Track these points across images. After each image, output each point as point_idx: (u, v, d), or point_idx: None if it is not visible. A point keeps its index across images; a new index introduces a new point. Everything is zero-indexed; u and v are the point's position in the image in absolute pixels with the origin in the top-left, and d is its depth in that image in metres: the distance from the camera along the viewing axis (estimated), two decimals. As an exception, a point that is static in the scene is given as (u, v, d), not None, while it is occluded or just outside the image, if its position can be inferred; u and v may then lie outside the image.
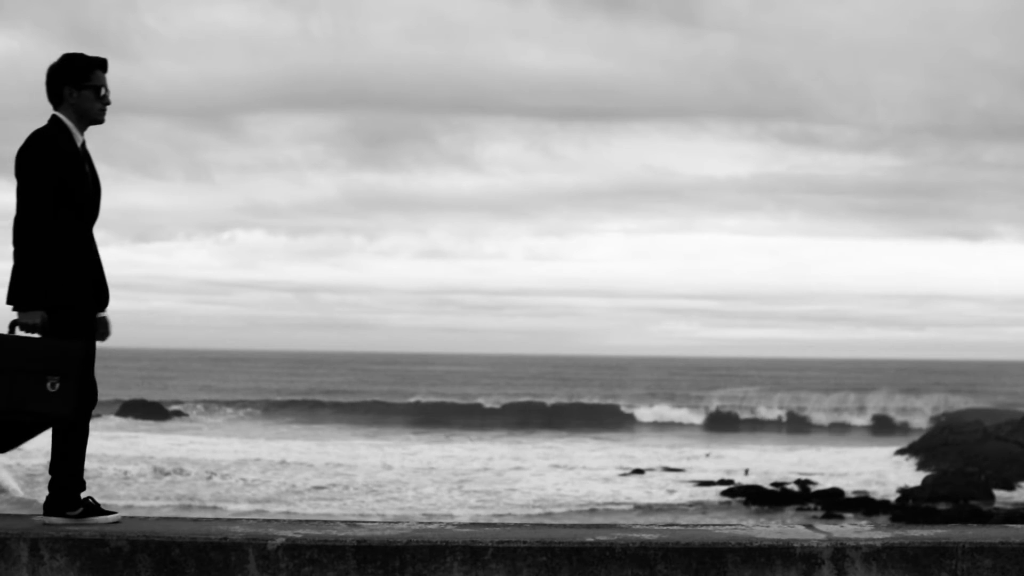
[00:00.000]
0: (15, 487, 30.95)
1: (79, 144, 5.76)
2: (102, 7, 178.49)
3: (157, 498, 30.87)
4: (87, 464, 5.94)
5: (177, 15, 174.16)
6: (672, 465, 39.38)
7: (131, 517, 6.11)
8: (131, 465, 36.88)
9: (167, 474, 35.08)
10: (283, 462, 38.19)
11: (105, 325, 5.86)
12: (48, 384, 5.53)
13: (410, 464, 38.47)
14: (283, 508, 29.02)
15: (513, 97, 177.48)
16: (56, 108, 5.79)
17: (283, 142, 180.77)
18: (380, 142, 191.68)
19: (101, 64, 5.83)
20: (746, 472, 36.91)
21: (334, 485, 33.22)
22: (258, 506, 29.24)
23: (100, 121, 5.82)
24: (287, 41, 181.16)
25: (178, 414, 64.24)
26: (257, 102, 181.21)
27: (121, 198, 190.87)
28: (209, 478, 33.87)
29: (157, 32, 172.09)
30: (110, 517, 5.72)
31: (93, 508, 5.73)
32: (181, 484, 33.12)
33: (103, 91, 5.82)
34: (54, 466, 5.75)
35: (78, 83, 5.77)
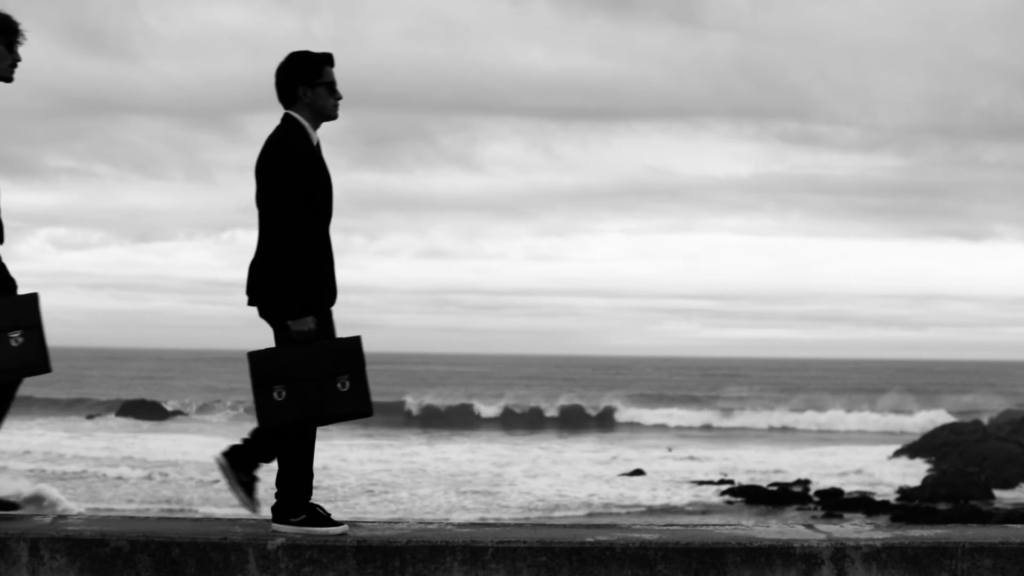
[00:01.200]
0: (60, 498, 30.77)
1: (315, 143, 5.71)
2: (103, 7, 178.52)
3: (143, 501, 30.57)
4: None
5: (178, 15, 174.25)
6: (672, 465, 39.39)
7: (131, 517, 6.11)
8: (123, 467, 36.82)
9: (150, 476, 34.86)
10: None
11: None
12: (339, 384, 5.57)
13: (406, 465, 38.35)
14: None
15: (514, 97, 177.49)
16: (289, 108, 5.74)
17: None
18: (381, 142, 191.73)
19: (329, 60, 5.76)
20: (669, 449, 37.18)
21: (326, 487, 33.08)
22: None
23: (334, 117, 5.74)
24: (288, 41, 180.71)
25: (178, 414, 64.23)
26: (258, 102, 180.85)
27: (121, 198, 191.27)
28: (198, 481, 33.57)
29: (158, 32, 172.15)
30: (333, 530, 5.60)
31: (319, 517, 5.65)
32: (169, 486, 32.85)
33: (335, 86, 5.74)
34: (280, 473, 5.70)
35: (311, 81, 5.71)
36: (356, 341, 5.62)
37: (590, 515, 28.11)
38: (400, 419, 60.70)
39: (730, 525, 6.23)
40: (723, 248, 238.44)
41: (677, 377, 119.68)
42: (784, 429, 58.18)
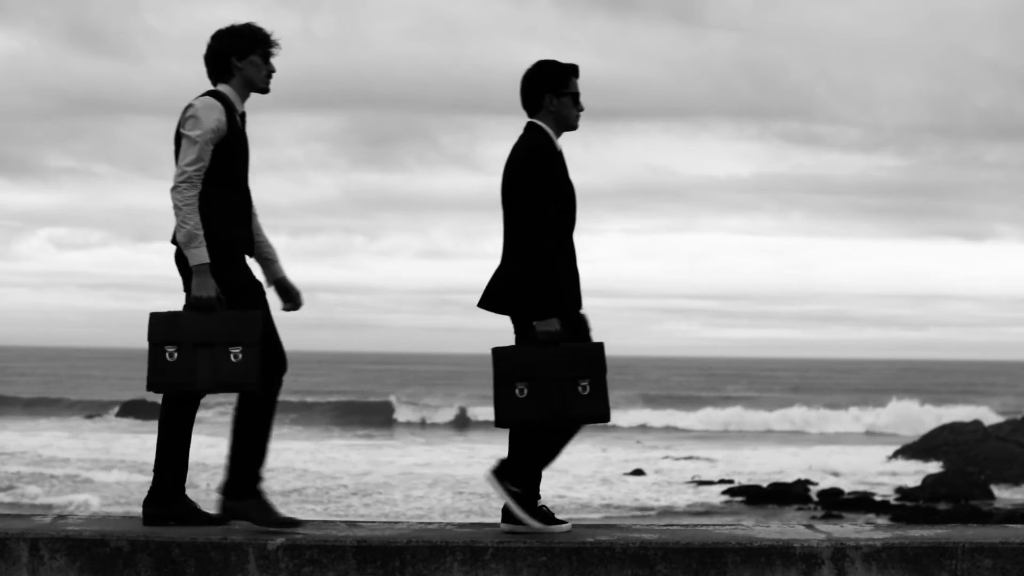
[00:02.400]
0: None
1: (558, 150, 5.80)
2: (104, 6, 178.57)
3: (120, 504, 30.26)
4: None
5: (179, 14, 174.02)
6: (672, 465, 39.38)
7: (131, 517, 6.11)
8: (113, 469, 36.77)
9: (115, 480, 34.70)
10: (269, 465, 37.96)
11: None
12: (579, 387, 5.69)
13: (402, 466, 38.19)
14: None
15: (515, 97, 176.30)
16: (533, 115, 5.83)
17: (284, 142, 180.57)
18: (382, 142, 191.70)
19: (575, 71, 5.87)
20: (637, 441, 37.21)
21: (318, 487, 32.94)
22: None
23: (575, 127, 5.84)
24: (289, 41, 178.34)
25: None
26: (258, 102, 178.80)
27: (122, 198, 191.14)
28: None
29: (159, 32, 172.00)
30: (559, 527, 5.73)
31: (546, 516, 5.75)
32: (141, 491, 32.48)
33: (580, 97, 5.85)
34: (516, 451, 5.82)
35: (557, 90, 5.80)
36: (599, 347, 5.77)
37: (590, 515, 28.12)
38: (396, 420, 60.57)
39: (730, 525, 6.23)
40: (724, 248, 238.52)
41: (677, 377, 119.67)
42: (784, 429, 58.15)
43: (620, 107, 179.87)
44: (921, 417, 57.45)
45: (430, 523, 6.06)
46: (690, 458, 41.92)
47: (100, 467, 36.87)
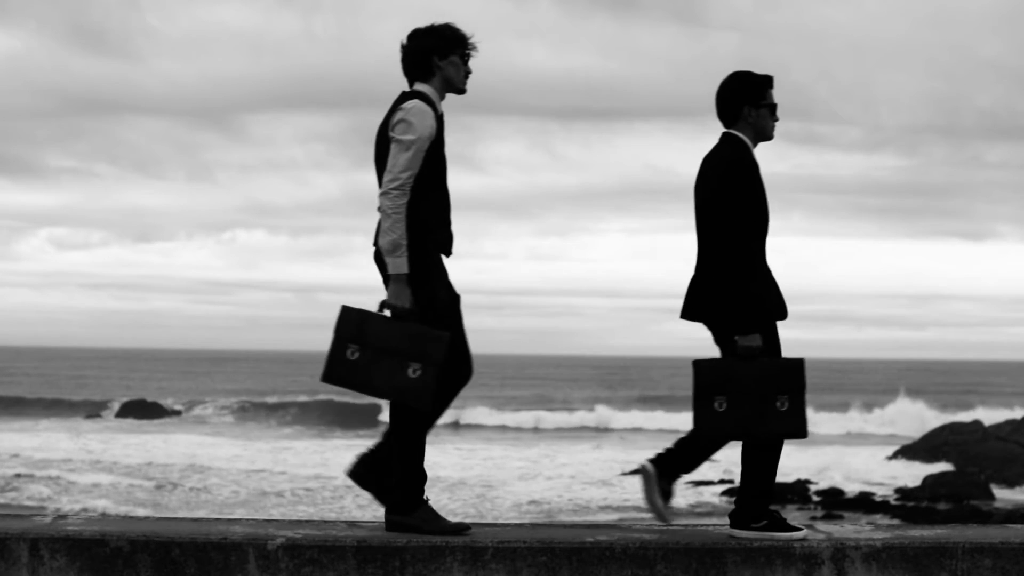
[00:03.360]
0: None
1: (756, 161, 5.85)
2: (105, 6, 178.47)
3: (124, 503, 30.18)
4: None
5: (180, 14, 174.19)
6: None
7: (131, 517, 6.11)
8: (111, 470, 36.76)
9: (137, 477, 34.72)
10: (262, 466, 37.71)
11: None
12: (778, 403, 5.69)
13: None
14: (248, 515, 28.46)
15: (516, 97, 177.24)
16: (730, 126, 5.89)
17: (285, 142, 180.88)
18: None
19: (771, 82, 5.91)
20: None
21: (310, 487, 32.81)
22: (216, 514, 28.50)
23: (771, 138, 5.88)
24: (290, 40, 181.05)
25: (177, 414, 64.22)
26: (259, 102, 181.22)
27: (122, 198, 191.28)
28: (173, 487, 33.02)
29: (160, 31, 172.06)
30: (795, 534, 5.69)
31: (778, 523, 5.74)
32: (140, 491, 32.29)
33: (776, 109, 5.89)
34: (744, 480, 5.82)
35: (756, 102, 5.85)
36: (799, 363, 5.74)
37: (589, 515, 28.12)
38: (381, 421, 60.42)
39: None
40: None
41: (678, 377, 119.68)
42: (784, 429, 58.07)
43: (621, 107, 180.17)
44: (921, 417, 57.44)
45: (430, 523, 6.05)
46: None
47: (99, 468, 36.86)
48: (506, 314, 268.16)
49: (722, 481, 34.93)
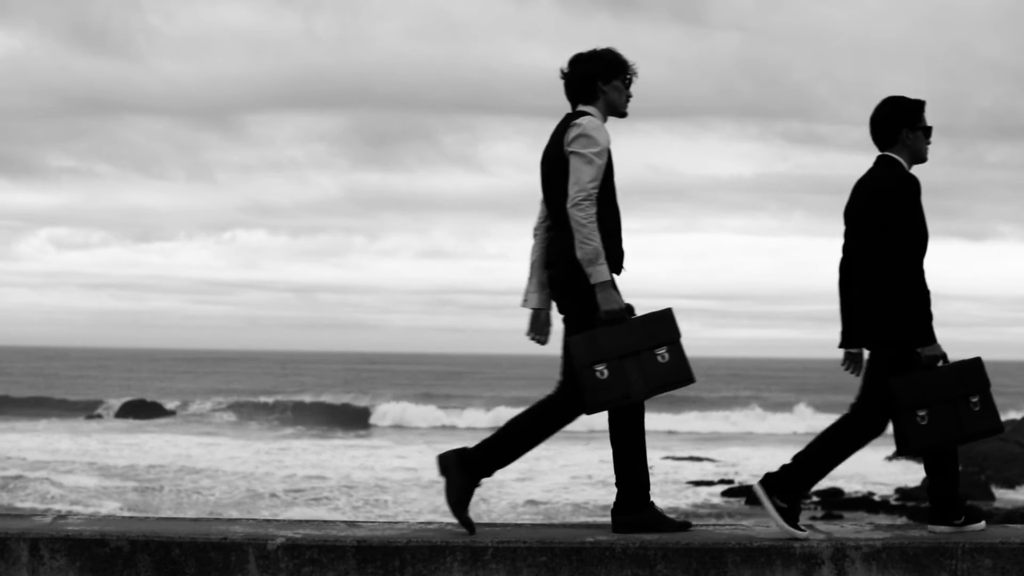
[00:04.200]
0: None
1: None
2: (106, 6, 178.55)
3: (120, 503, 30.08)
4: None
5: (180, 14, 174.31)
6: (672, 466, 39.40)
7: (131, 517, 6.11)
8: (111, 469, 36.73)
9: (136, 479, 34.65)
10: (258, 466, 37.65)
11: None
12: (971, 404, 5.91)
13: (392, 467, 37.97)
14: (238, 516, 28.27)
15: (517, 96, 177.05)
16: (886, 148, 5.98)
17: (286, 142, 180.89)
18: (383, 142, 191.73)
19: (924, 106, 6.03)
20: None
21: (302, 488, 32.71)
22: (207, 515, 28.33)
23: (925, 160, 6.01)
24: (291, 40, 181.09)
25: (176, 414, 64.21)
26: (260, 101, 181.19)
27: (123, 198, 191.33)
28: (161, 489, 32.93)
29: (160, 31, 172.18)
30: (978, 525, 5.89)
31: (973, 516, 5.93)
32: (134, 492, 32.16)
33: (931, 132, 6.02)
34: (936, 482, 5.97)
35: (912, 124, 5.96)
36: (978, 361, 6.03)
37: (587, 516, 28.08)
38: (374, 424, 60.31)
39: (730, 525, 6.24)
40: (725, 248, 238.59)
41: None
42: (784, 429, 58.16)
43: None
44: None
45: (430, 523, 6.07)
46: (690, 458, 41.94)
47: (96, 468, 36.83)
48: (506, 314, 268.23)
49: (722, 481, 34.95)
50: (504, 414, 61.73)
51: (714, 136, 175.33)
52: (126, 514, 25.46)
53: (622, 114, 6.00)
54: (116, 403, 65.82)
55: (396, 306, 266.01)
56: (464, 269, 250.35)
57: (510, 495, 31.76)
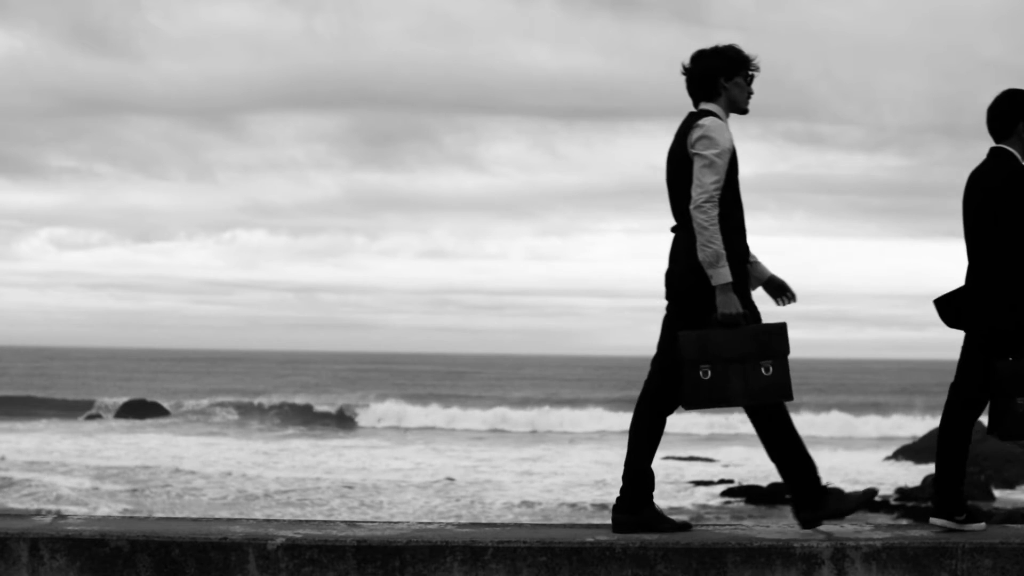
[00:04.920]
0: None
1: None
2: (106, 6, 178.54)
3: (119, 503, 30.01)
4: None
5: (181, 14, 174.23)
6: (672, 466, 39.41)
7: (131, 517, 6.11)
8: (110, 469, 36.71)
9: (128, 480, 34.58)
10: (255, 466, 37.62)
11: None
12: None
13: (388, 468, 37.89)
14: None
15: (518, 96, 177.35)
16: (1001, 141, 6.02)
17: (286, 142, 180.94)
18: (384, 142, 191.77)
19: None
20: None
21: (295, 489, 32.66)
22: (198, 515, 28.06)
23: None
24: (291, 40, 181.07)
25: (176, 414, 64.20)
26: (261, 101, 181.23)
27: (123, 198, 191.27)
28: (148, 489, 32.80)
29: (161, 31, 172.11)
30: (978, 525, 5.88)
31: (973, 516, 5.92)
32: (130, 493, 32.03)
33: None
34: (940, 475, 5.96)
35: None
36: None
37: (584, 517, 28.08)
38: (385, 421, 60.27)
39: (730, 525, 6.24)
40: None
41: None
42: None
43: (623, 107, 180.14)
44: (921, 417, 57.46)
45: (430, 523, 6.07)
46: (690, 458, 41.93)
47: (94, 469, 36.83)
48: (506, 314, 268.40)
49: (722, 481, 34.95)
50: (504, 415, 61.75)
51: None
52: (125, 514, 25.50)
53: (743, 111, 5.99)
54: (116, 403, 65.84)
55: (396, 306, 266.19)
56: (464, 269, 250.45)
57: (506, 496, 31.77)
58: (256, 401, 67.23)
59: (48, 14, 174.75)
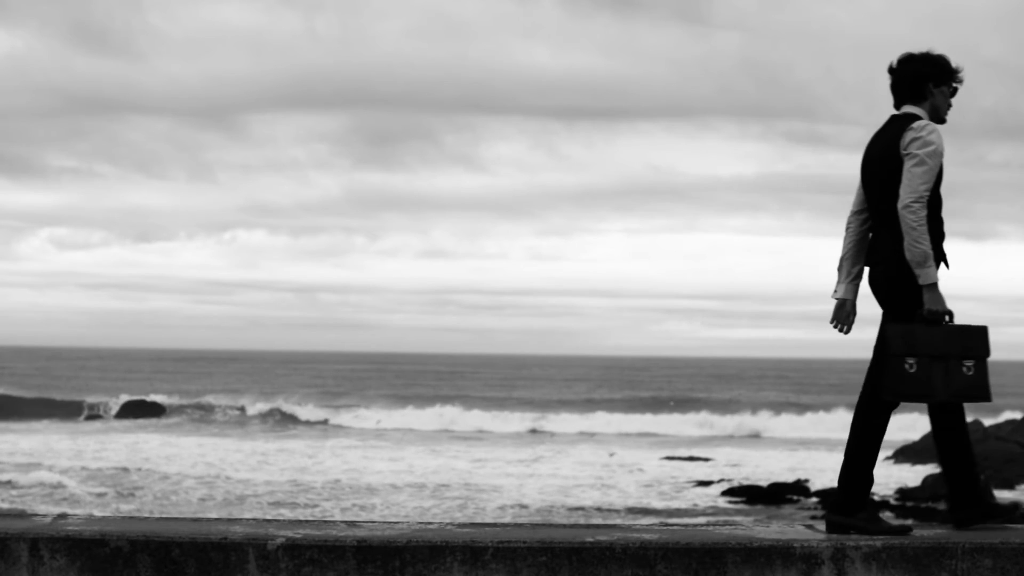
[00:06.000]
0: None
1: None
2: (107, 6, 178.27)
3: (118, 503, 29.93)
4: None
5: (182, 14, 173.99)
6: (672, 466, 39.41)
7: (131, 517, 6.11)
8: (110, 469, 36.68)
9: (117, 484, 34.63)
10: (252, 467, 37.55)
11: None
12: None
13: (382, 469, 37.78)
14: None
15: (518, 96, 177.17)
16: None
17: (287, 142, 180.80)
18: (384, 142, 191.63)
19: None
20: (611, 454, 40.58)
21: (287, 491, 32.57)
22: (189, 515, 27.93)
23: None
24: (292, 40, 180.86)
25: (176, 414, 64.19)
26: (261, 101, 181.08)
27: (123, 198, 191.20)
28: (150, 488, 32.79)
29: (162, 31, 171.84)
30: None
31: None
32: (127, 493, 31.85)
33: None
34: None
35: None
36: None
37: (589, 516, 28.08)
38: (382, 423, 60.17)
39: (730, 525, 6.23)
40: (726, 248, 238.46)
41: (678, 377, 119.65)
42: (785, 429, 58.14)
43: (624, 106, 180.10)
44: (922, 417, 57.39)
45: (430, 523, 6.07)
46: (690, 458, 41.93)
47: (96, 468, 36.83)
48: (506, 314, 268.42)
49: (722, 481, 34.95)
50: (504, 415, 61.74)
51: (716, 136, 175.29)
52: (125, 514, 25.50)
53: (942, 120, 6.09)
54: (116, 403, 65.82)
55: (396, 306, 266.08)
56: (464, 269, 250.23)
57: (503, 497, 31.78)
58: (255, 401, 67.20)
59: (49, 14, 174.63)
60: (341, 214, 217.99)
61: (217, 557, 5.44)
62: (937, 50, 6.06)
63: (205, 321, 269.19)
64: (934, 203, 5.94)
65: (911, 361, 5.79)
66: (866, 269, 6.09)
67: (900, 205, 5.82)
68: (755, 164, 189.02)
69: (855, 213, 6.17)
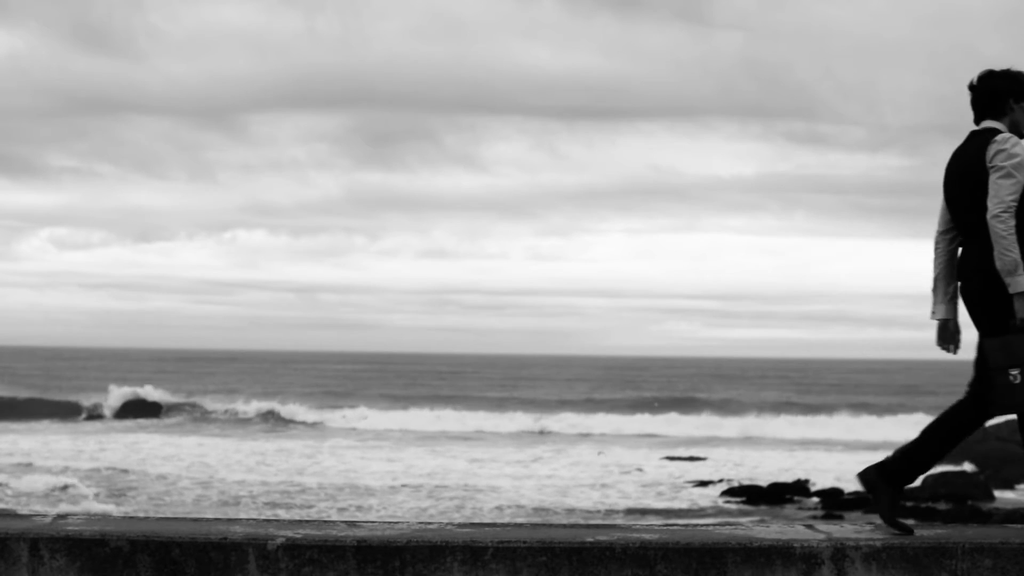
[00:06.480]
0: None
1: None
2: (108, 6, 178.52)
3: (118, 503, 29.91)
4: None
5: (183, 14, 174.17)
6: (672, 466, 39.40)
7: (131, 517, 6.11)
8: (110, 469, 36.65)
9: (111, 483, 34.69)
10: (250, 467, 37.50)
11: None
12: None
13: (380, 469, 37.75)
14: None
15: (519, 96, 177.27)
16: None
17: (287, 141, 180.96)
18: (385, 141, 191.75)
19: None
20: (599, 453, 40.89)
21: (282, 491, 32.53)
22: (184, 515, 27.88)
23: None
24: (292, 40, 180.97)
25: (176, 414, 64.20)
26: (262, 101, 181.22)
27: (123, 198, 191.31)
28: (139, 489, 32.71)
29: (162, 31, 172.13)
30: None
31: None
32: (117, 496, 31.79)
33: None
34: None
35: None
36: None
37: (588, 516, 28.08)
38: (380, 423, 60.13)
39: (730, 525, 6.23)
40: (726, 248, 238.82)
41: (678, 377, 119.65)
42: (785, 429, 58.15)
43: (624, 106, 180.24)
44: (922, 417, 57.48)
45: (430, 523, 6.07)
46: (690, 458, 41.93)
47: (95, 468, 36.82)
48: (506, 314, 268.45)
49: (722, 481, 34.95)
50: (504, 415, 61.74)
51: (716, 136, 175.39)
52: (125, 514, 25.50)
53: (1022, 135, 6.11)
54: (116, 403, 65.81)
55: (396, 306, 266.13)
56: (464, 269, 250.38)
57: (501, 498, 31.76)
58: (254, 401, 67.18)
59: (49, 14, 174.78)
60: (341, 214, 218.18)
61: (217, 557, 5.44)
62: (1017, 66, 6.14)
63: (205, 321, 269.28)
64: (1020, 213, 5.96)
65: (1015, 372, 5.83)
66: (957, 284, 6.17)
67: (989, 215, 5.86)
68: (755, 164, 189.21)
69: (941, 233, 6.19)
